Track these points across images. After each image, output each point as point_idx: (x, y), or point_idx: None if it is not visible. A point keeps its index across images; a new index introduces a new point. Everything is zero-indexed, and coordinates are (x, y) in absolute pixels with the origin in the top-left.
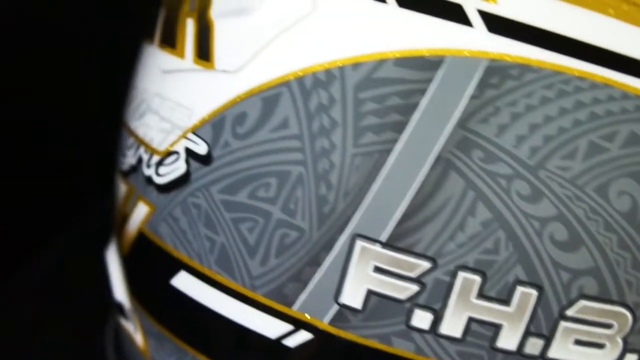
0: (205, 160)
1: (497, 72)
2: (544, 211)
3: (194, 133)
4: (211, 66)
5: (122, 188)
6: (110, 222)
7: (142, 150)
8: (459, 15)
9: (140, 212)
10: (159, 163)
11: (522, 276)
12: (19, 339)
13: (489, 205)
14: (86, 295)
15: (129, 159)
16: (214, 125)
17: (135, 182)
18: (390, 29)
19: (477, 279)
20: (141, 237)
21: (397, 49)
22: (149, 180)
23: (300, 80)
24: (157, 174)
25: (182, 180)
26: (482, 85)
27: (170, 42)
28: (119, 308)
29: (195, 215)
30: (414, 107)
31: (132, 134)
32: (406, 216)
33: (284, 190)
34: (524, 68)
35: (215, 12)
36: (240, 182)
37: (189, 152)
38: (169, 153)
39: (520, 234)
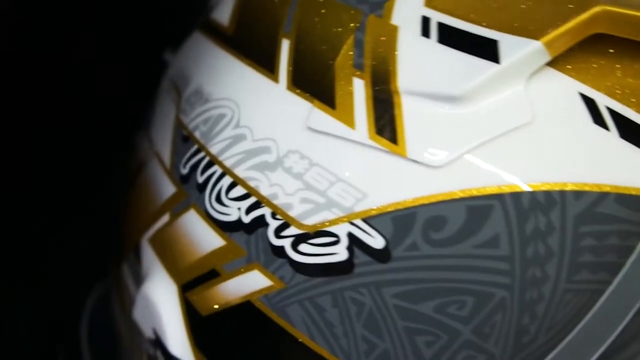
0: (381, 257)
1: None
2: None
3: (366, 221)
4: (401, 152)
5: (211, 237)
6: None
7: (266, 212)
8: None
9: (253, 281)
10: (302, 239)
11: None
12: None
13: None
14: None
15: (234, 211)
16: (398, 221)
17: (248, 244)
18: (611, 160)
19: None
20: (249, 308)
21: (617, 184)
22: (278, 252)
23: (516, 196)
24: (297, 251)
25: (339, 269)
26: None
27: (324, 98)
28: None
29: (352, 312)
30: (630, 250)
31: (242, 183)
32: (602, 358)
33: (481, 312)
34: None
35: (404, 87)
36: (427, 292)
37: (355, 241)
38: (321, 232)
39: None
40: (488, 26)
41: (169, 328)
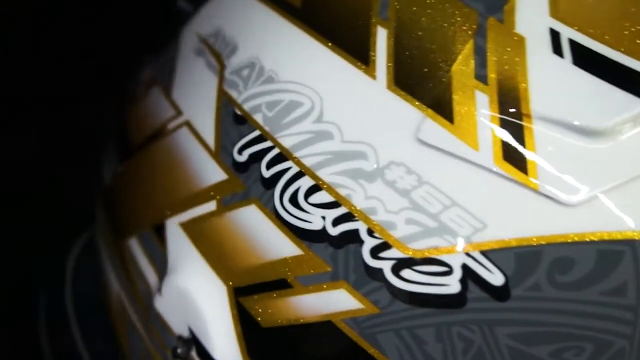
0: (499, 294)
1: None
2: None
3: (484, 254)
4: (530, 184)
5: (281, 243)
6: None
7: (361, 227)
8: None
9: (338, 301)
10: (405, 263)
11: None
12: None
13: None
14: None
15: (316, 219)
16: (521, 258)
17: (334, 260)
18: None
19: None
20: (330, 328)
21: None
22: (374, 274)
23: None
24: (398, 276)
25: (449, 302)
26: None
27: (440, 109)
28: None
29: (458, 348)
30: None
31: (329, 188)
32: None
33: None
34: None
35: (537, 111)
36: (545, 336)
37: (471, 274)
38: (430, 259)
39: None
40: (626, 52)
41: (214, 332)
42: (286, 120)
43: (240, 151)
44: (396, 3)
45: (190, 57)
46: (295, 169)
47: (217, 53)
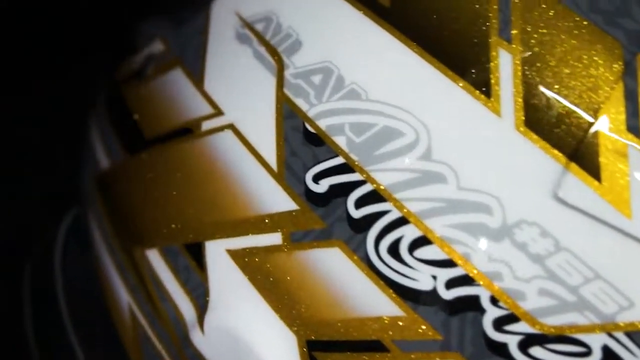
0: None
1: None
2: None
3: (629, 336)
4: None
5: (376, 299)
6: None
7: (482, 293)
8: None
9: None
10: (536, 340)
11: None
12: None
13: None
14: None
15: (423, 278)
16: None
17: (446, 328)
18: None
19: None
20: None
21: None
22: (497, 348)
23: None
24: (526, 354)
25: None
26: None
27: (585, 163)
28: None
29: None
30: None
31: (441, 243)
32: None
33: None
34: None
35: None
36: None
37: (612, 357)
38: (566, 338)
39: None
40: None
41: None
42: (381, 151)
43: (316, 179)
44: (521, 21)
45: (229, 42)
46: (396, 214)
47: (271, 45)
